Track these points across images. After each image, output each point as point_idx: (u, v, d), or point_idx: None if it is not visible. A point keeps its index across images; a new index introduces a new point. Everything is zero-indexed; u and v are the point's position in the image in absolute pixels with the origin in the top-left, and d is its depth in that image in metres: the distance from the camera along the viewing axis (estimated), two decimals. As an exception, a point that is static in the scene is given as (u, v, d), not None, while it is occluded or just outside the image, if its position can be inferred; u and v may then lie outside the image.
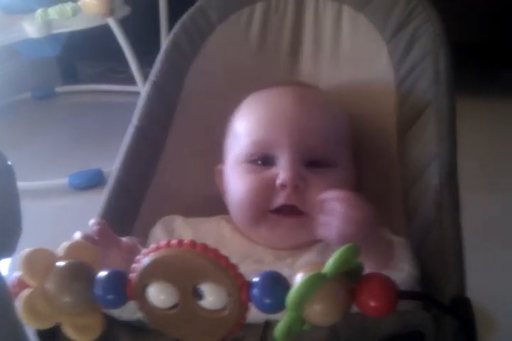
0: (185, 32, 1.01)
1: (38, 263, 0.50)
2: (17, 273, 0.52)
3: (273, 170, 0.82)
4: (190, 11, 1.02)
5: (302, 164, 0.82)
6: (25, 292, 0.50)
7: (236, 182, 0.86)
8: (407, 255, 0.75)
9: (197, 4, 1.02)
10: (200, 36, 1.01)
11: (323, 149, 0.84)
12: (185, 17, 1.02)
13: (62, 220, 1.68)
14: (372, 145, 0.95)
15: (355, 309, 0.49)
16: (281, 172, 0.81)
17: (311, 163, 0.83)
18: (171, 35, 1.01)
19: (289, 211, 0.81)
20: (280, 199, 0.80)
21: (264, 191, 0.81)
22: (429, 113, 0.88)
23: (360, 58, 0.97)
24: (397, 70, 0.94)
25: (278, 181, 0.80)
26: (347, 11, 0.97)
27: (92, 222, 0.73)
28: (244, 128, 0.88)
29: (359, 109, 0.96)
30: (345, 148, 0.88)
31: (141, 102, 0.97)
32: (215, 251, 0.47)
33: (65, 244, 0.53)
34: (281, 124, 0.84)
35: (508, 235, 1.50)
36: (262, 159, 0.84)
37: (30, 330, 0.68)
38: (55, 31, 1.95)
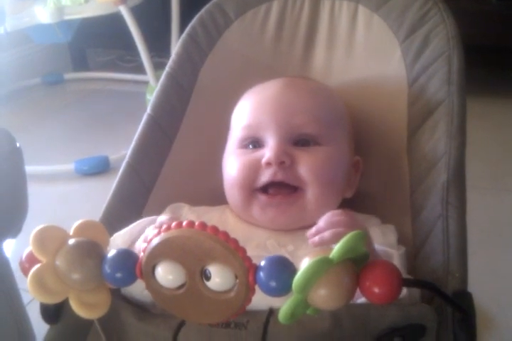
0: (203, 26, 1.02)
1: (49, 239, 0.51)
2: (28, 249, 0.52)
3: (261, 152, 0.84)
4: (208, 6, 1.03)
5: (290, 143, 0.83)
6: (35, 267, 0.51)
7: (227, 167, 0.87)
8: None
9: (214, 0, 1.03)
10: (217, 30, 1.02)
11: (311, 128, 0.84)
12: (202, 11, 1.03)
13: (66, 205, 1.70)
14: (381, 141, 0.96)
15: (359, 299, 0.50)
16: (267, 151, 0.82)
17: (300, 142, 0.84)
18: (189, 28, 1.02)
19: (277, 190, 0.82)
20: (266, 177, 0.82)
21: (251, 170, 0.83)
22: (440, 112, 0.88)
23: (374, 57, 0.98)
24: (409, 70, 0.94)
25: (263, 160, 0.82)
26: (362, 11, 0.98)
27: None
28: (237, 117, 0.90)
29: (370, 106, 0.96)
30: (338, 130, 0.88)
31: (156, 92, 0.98)
32: (225, 234, 0.48)
33: (77, 223, 0.54)
34: (267, 107, 0.86)
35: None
36: (252, 143, 0.86)
37: (34, 311, 0.69)
38: (67, 17, 1.96)
